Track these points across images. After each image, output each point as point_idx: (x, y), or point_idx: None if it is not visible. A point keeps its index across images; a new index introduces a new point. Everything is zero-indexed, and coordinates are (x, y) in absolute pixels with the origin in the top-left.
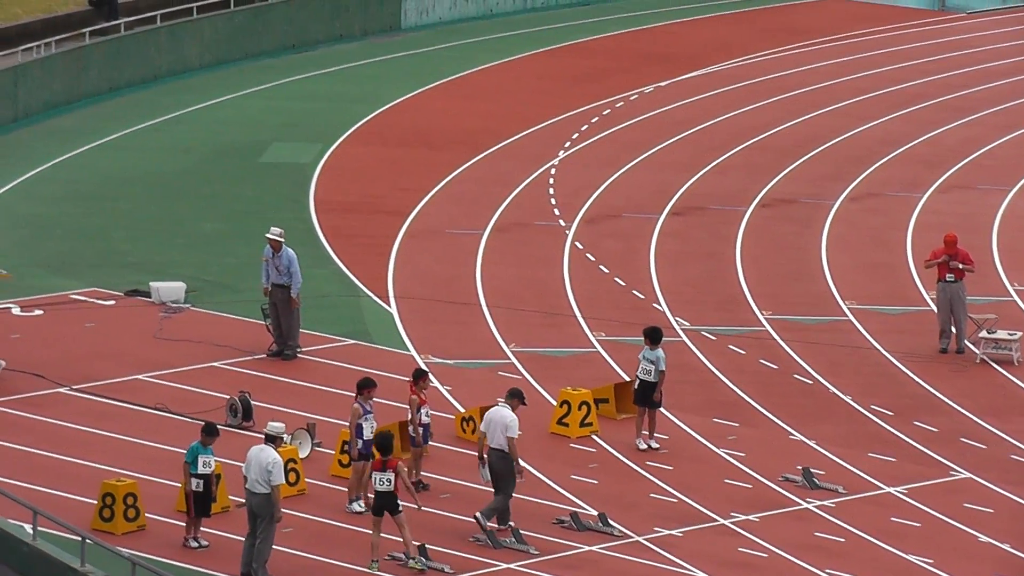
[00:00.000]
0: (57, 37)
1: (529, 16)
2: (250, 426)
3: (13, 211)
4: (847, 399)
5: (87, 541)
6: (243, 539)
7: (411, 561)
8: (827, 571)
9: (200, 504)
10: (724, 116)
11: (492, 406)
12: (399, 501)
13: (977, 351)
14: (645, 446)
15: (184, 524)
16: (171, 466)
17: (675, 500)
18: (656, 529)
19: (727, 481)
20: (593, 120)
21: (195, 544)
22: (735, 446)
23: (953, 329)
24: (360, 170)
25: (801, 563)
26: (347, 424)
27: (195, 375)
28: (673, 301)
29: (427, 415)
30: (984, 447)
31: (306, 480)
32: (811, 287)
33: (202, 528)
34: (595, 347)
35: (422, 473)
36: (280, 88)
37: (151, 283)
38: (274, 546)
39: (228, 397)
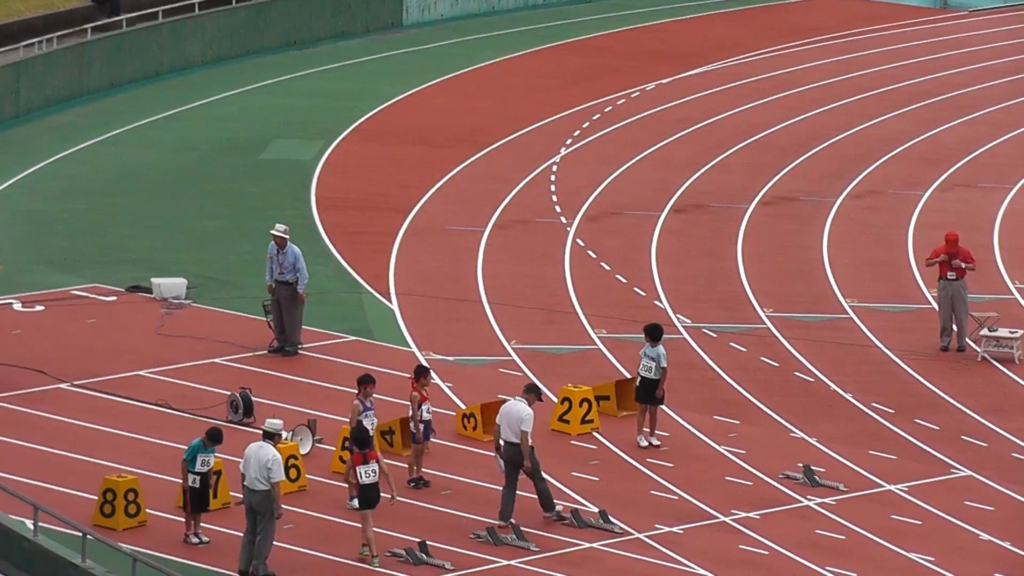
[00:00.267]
0: (59, 33)
1: (531, 13)
2: (251, 422)
3: (14, 207)
4: (848, 397)
5: (88, 537)
6: (243, 535)
7: (374, 559)
8: (827, 569)
9: (197, 500)
10: (726, 114)
11: (494, 402)
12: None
13: (978, 349)
14: (646, 443)
15: (184, 520)
16: (172, 462)
17: (676, 497)
18: (657, 526)
19: (728, 479)
20: (595, 117)
21: (196, 540)
22: (736, 443)
23: (954, 327)
24: (362, 167)
25: (802, 561)
26: (348, 420)
27: (196, 371)
28: (674, 298)
29: (428, 411)
30: (985, 445)
31: (307, 476)
32: (812, 285)
33: (202, 524)
34: (596, 344)
35: (423, 469)
36: (282, 85)
37: (152, 279)
38: (275, 542)
39: (229, 393)
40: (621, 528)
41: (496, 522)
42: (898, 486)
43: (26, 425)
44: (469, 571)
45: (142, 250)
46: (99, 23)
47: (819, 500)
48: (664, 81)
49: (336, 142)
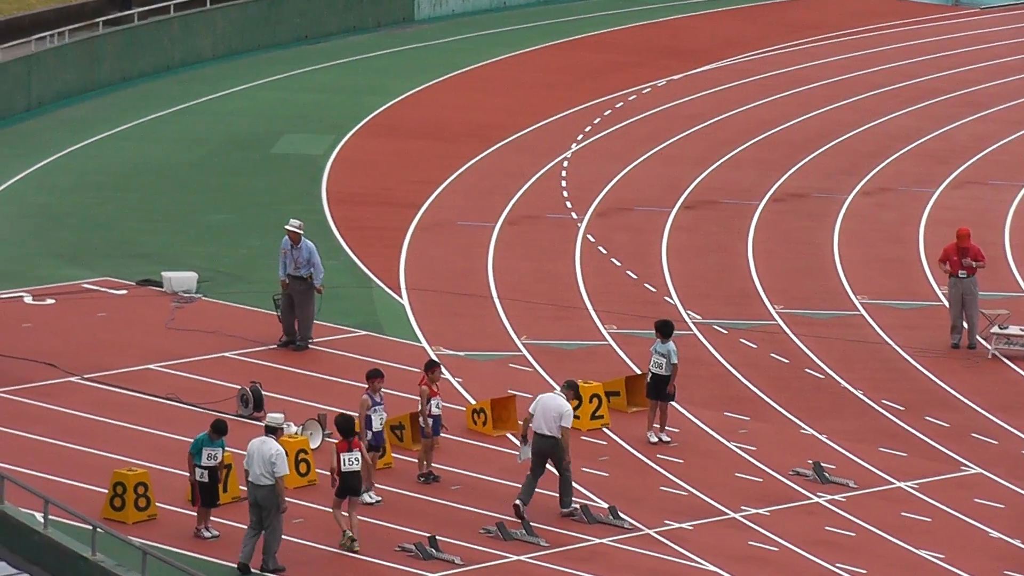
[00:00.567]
0: (70, 27)
1: (542, 9)
2: (261, 416)
3: (26, 200)
4: (858, 394)
5: (98, 530)
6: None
7: (348, 532)
8: (837, 565)
9: (206, 495)
10: (736, 110)
11: (503, 397)
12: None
13: (989, 346)
14: (656, 439)
15: (195, 514)
16: (182, 456)
17: (685, 493)
18: (666, 522)
19: (738, 475)
20: (606, 113)
21: (207, 534)
22: (746, 440)
23: (965, 325)
24: (372, 162)
25: (811, 557)
26: (357, 415)
27: (206, 365)
28: (685, 295)
29: (438, 406)
30: (995, 442)
31: (317, 471)
32: (823, 282)
33: (212, 518)
34: (606, 340)
35: (433, 464)
36: (293, 79)
37: (163, 273)
38: (285, 536)
39: (239, 387)
40: (631, 524)
41: (506, 517)
42: (908, 483)
43: (36, 418)
44: (479, 566)
45: (152, 244)
46: (110, 17)
47: (829, 497)
48: (675, 77)
49: (347, 137)
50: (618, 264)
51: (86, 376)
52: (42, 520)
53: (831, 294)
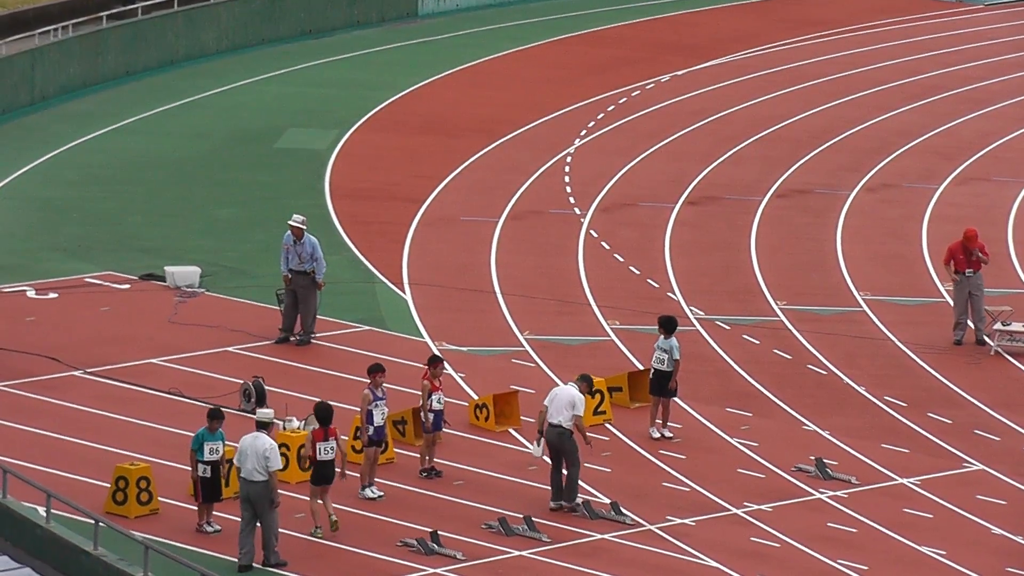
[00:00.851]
0: (74, 20)
1: (546, 4)
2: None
3: (29, 194)
4: (861, 390)
5: (100, 524)
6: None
7: (316, 531)
8: (839, 561)
9: (209, 490)
10: (740, 106)
11: (506, 393)
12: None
13: (992, 343)
14: (659, 435)
15: (197, 509)
16: (185, 450)
17: (688, 489)
18: (669, 518)
19: (740, 471)
20: (609, 109)
21: (209, 529)
22: (748, 436)
23: (970, 323)
24: (376, 157)
25: (813, 553)
26: (359, 410)
27: (209, 360)
28: (688, 290)
29: (440, 402)
30: (998, 439)
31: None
32: (826, 278)
33: (215, 513)
34: (609, 335)
35: (435, 460)
36: (297, 74)
37: (166, 267)
38: (288, 531)
39: (242, 382)
40: (633, 520)
41: (508, 512)
42: (910, 479)
43: (39, 412)
44: (481, 561)
45: (156, 238)
46: (114, 11)
47: (831, 493)
48: (679, 73)
49: (351, 132)
50: (621, 260)
51: (89, 370)
52: (44, 514)
53: (834, 290)
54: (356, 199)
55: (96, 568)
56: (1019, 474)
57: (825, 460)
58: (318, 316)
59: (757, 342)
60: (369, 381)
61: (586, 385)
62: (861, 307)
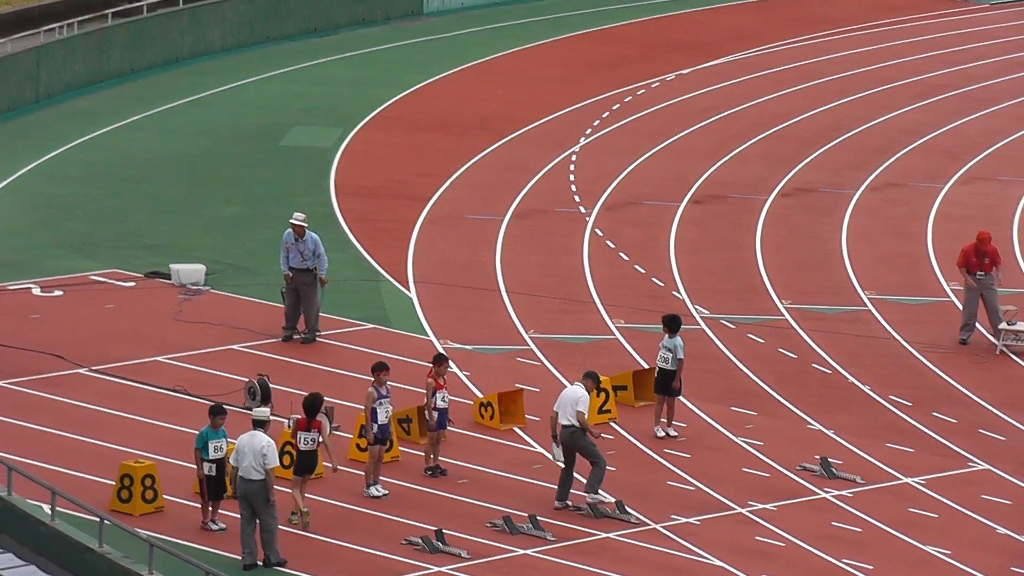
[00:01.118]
0: (80, 18)
1: (551, 2)
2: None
3: (34, 192)
4: (866, 389)
5: (105, 522)
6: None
7: (292, 517)
8: (844, 561)
9: (214, 488)
10: (745, 104)
11: (511, 391)
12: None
13: (997, 342)
14: (663, 434)
15: (200, 507)
16: (189, 448)
17: (692, 488)
18: (673, 517)
19: (745, 470)
20: (614, 107)
21: (214, 527)
22: (753, 435)
23: (978, 325)
24: (381, 155)
25: (818, 552)
26: (364, 408)
27: (214, 357)
28: (692, 289)
29: (444, 400)
30: (1003, 439)
31: (324, 464)
32: (831, 276)
33: (220, 511)
34: (614, 334)
35: (440, 458)
36: (301, 72)
37: (171, 265)
38: (291, 530)
39: (247, 380)
40: (637, 518)
41: (513, 511)
42: (915, 479)
43: (44, 410)
44: (485, 560)
45: (161, 236)
46: (119, 8)
47: (836, 492)
48: (684, 71)
49: (356, 129)
50: (626, 258)
51: (94, 368)
52: (49, 512)
53: (839, 289)
54: (361, 197)
55: (101, 566)
56: None
57: (830, 459)
58: (321, 313)
59: (762, 341)
60: (373, 379)
61: (591, 382)
62: (866, 306)
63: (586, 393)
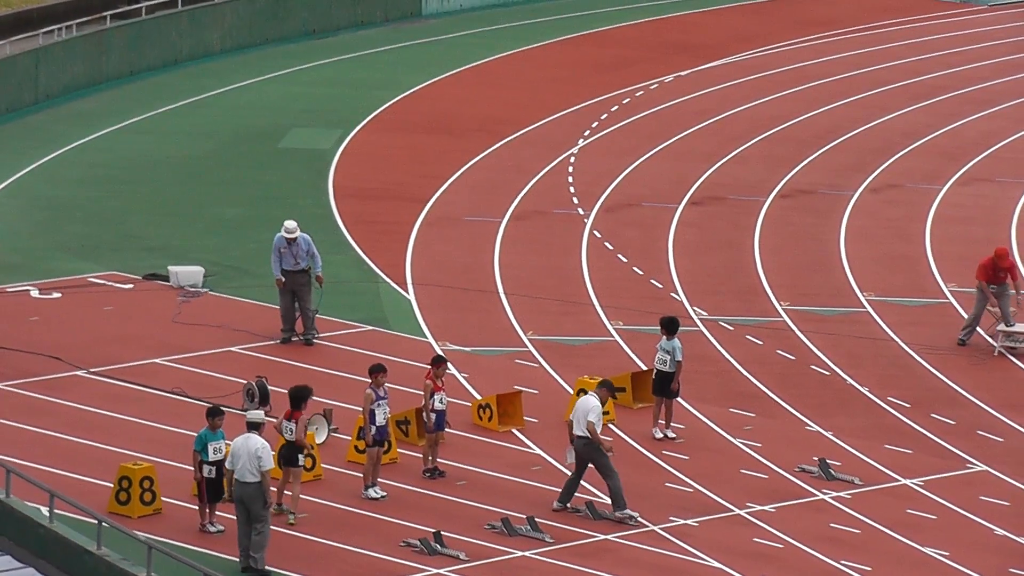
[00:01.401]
0: (79, 20)
1: (550, 4)
2: (267, 411)
3: (33, 193)
4: (864, 391)
5: (103, 524)
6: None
7: (290, 515)
8: (843, 562)
9: (212, 490)
10: (744, 106)
11: (509, 393)
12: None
13: (995, 344)
14: (662, 435)
15: (199, 509)
16: (188, 450)
17: (691, 490)
18: (672, 519)
19: (743, 471)
20: (613, 109)
21: (212, 529)
22: (752, 436)
23: (978, 329)
24: (380, 156)
25: (817, 554)
26: (362, 410)
27: (212, 359)
28: (691, 291)
29: (442, 401)
30: (1001, 440)
31: (322, 466)
32: (829, 278)
33: (217, 513)
34: (612, 336)
35: (438, 460)
36: (301, 74)
37: (170, 267)
38: (292, 533)
39: (245, 382)
40: (636, 520)
41: (512, 512)
42: (914, 480)
43: (42, 412)
44: (484, 562)
45: (160, 238)
46: (118, 10)
47: (834, 494)
48: (683, 73)
49: (354, 131)
50: (625, 260)
51: (92, 370)
52: (47, 514)
53: (838, 291)
54: (360, 199)
55: (99, 568)
56: (1022, 475)
57: (828, 460)
58: (320, 315)
59: (760, 342)
60: (371, 381)
61: (605, 391)
62: (864, 308)
63: (599, 404)
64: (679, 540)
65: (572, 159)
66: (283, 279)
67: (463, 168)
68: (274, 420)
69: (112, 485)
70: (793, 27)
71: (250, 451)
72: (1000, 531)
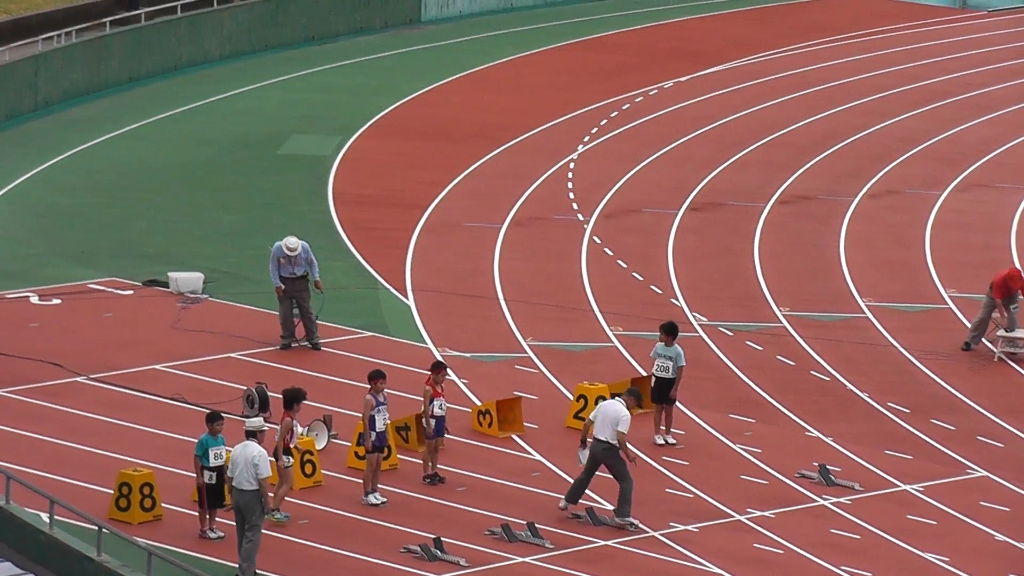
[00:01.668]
0: (78, 27)
1: (549, 10)
2: (267, 417)
3: (32, 200)
4: (864, 396)
5: (103, 530)
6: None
7: (276, 513)
8: (842, 568)
9: (213, 496)
10: (743, 112)
11: (509, 399)
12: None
13: (995, 350)
14: (662, 441)
15: (199, 515)
16: (188, 456)
17: (691, 496)
18: (672, 524)
19: (743, 477)
20: (612, 115)
21: (212, 535)
22: (752, 442)
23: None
24: (379, 163)
25: (817, 560)
26: (362, 416)
27: (212, 366)
28: (691, 297)
29: (441, 407)
30: (1001, 446)
31: (322, 472)
32: (829, 284)
33: (217, 519)
34: (612, 342)
35: (438, 466)
36: (300, 80)
37: (169, 273)
38: (293, 539)
39: (245, 388)
40: (636, 526)
41: (511, 518)
42: (914, 486)
43: (42, 418)
44: (484, 568)
45: (159, 244)
46: (118, 17)
47: (834, 499)
48: (682, 79)
49: (354, 138)
50: (624, 266)
51: (92, 376)
52: (47, 520)
53: (837, 296)
54: (359, 205)
55: (99, 574)
56: (1022, 480)
57: (828, 466)
58: (320, 322)
59: (760, 348)
60: (370, 387)
61: (634, 400)
62: (864, 313)
63: (628, 413)
64: (679, 546)
65: (571, 165)
66: (282, 287)
67: (463, 174)
68: (275, 426)
69: (112, 491)
70: (792, 33)
71: (247, 459)
72: (1000, 537)
